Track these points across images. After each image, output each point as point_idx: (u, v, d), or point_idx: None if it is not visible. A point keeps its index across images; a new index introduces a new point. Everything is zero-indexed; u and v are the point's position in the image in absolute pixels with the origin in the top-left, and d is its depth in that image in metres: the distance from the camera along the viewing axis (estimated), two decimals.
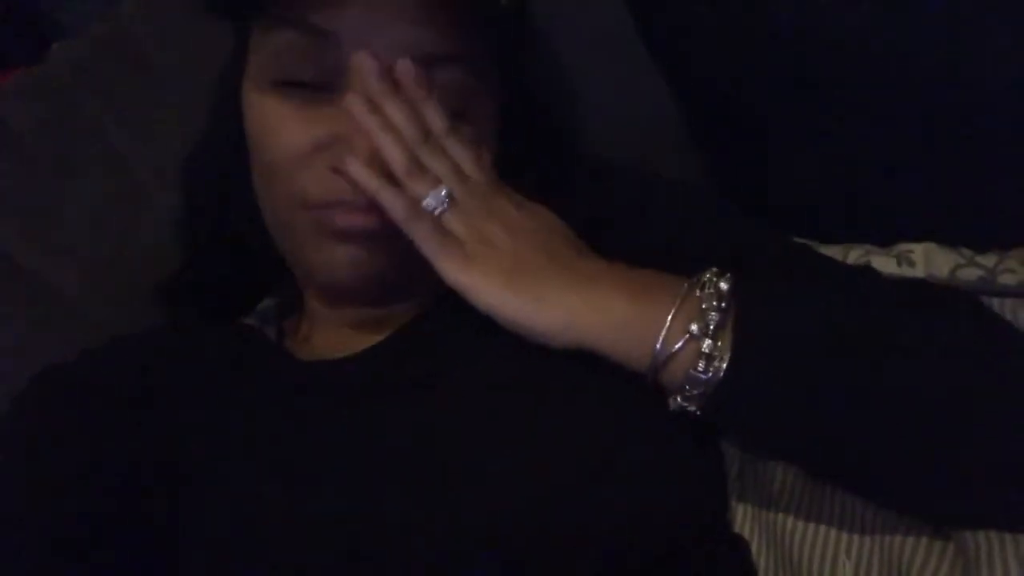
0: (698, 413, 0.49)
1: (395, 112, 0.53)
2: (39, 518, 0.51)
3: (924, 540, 0.53)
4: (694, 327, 0.47)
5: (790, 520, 0.58)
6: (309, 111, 0.54)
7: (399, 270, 0.55)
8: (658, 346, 0.48)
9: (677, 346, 0.48)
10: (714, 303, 0.48)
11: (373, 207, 0.52)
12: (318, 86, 0.54)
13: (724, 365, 0.47)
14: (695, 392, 0.48)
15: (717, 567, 0.55)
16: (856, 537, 0.55)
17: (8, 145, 0.72)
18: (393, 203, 0.51)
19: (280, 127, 0.54)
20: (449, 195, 0.52)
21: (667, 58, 0.71)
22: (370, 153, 0.52)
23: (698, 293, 0.49)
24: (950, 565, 0.51)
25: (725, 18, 0.62)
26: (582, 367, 0.53)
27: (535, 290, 0.50)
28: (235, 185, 0.59)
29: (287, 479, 0.52)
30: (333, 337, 0.60)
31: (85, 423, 0.54)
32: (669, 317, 0.48)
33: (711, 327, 0.47)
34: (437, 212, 0.52)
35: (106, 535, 0.51)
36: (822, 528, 0.56)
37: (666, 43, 0.70)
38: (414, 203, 0.52)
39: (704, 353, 0.47)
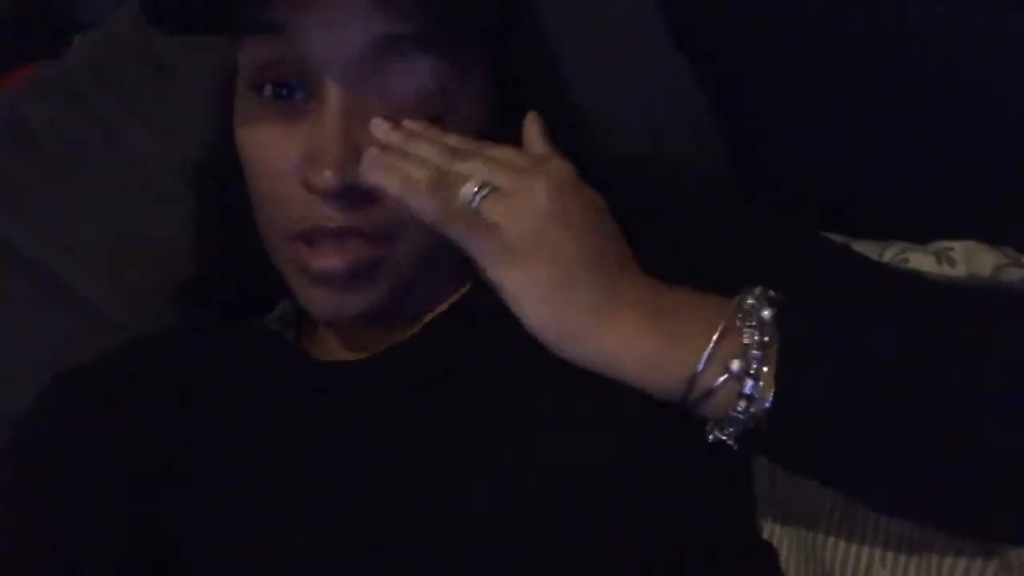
0: (735, 448, 0.47)
1: (420, 148, 0.50)
2: (53, 520, 0.50)
3: (965, 552, 0.51)
4: (735, 365, 0.45)
5: (821, 529, 0.56)
6: (284, 130, 0.51)
7: (387, 303, 0.53)
8: (692, 385, 0.46)
9: (715, 384, 0.45)
10: (756, 337, 0.45)
11: (348, 237, 0.50)
12: (290, 94, 0.51)
13: (766, 407, 0.44)
14: (732, 429, 0.46)
15: (744, 575, 0.54)
16: (892, 547, 0.54)
17: (24, 142, 0.72)
18: (423, 201, 0.48)
19: (259, 150, 0.52)
20: (488, 184, 0.49)
21: (695, 49, 0.69)
22: (340, 162, 0.48)
23: (738, 324, 0.46)
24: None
25: (758, 8, 0.61)
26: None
27: (571, 316, 0.47)
28: (240, 199, 0.58)
29: (298, 481, 0.51)
30: (349, 339, 0.59)
31: (102, 425, 0.54)
32: (706, 355, 0.45)
33: (753, 367, 0.45)
34: (475, 202, 0.48)
35: (119, 537, 0.51)
36: (856, 537, 0.55)
37: (695, 34, 0.68)
38: (447, 201, 0.48)
39: (745, 394, 0.45)
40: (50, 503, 0.51)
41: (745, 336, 0.45)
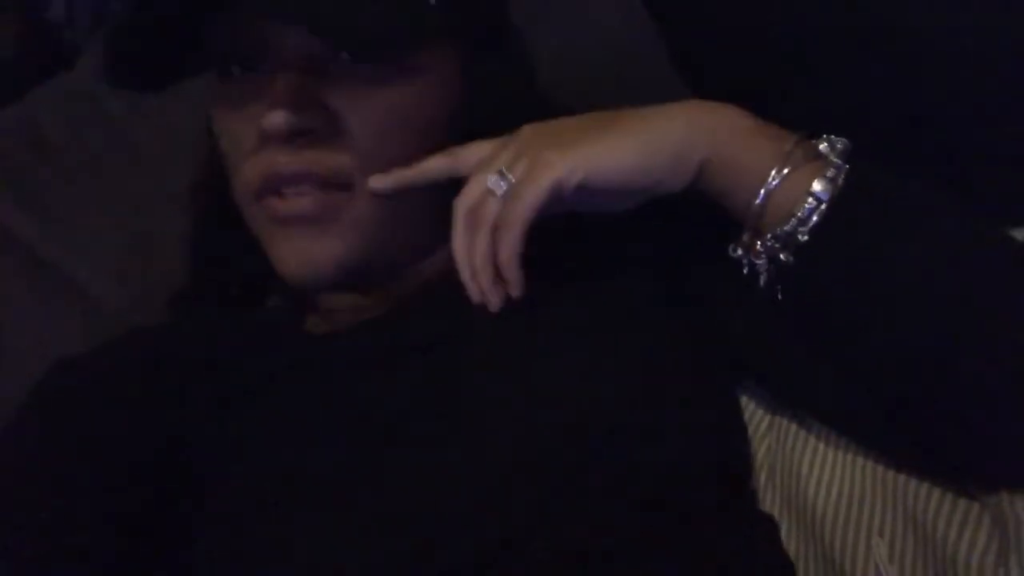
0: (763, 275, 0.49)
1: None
2: (53, 509, 0.51)
3: (958, 516, 0.51)
4: (817, 185, 0.46)
5: (820, 501, 0.56)
6: (249, 99, 0.53)
7: (356, 261, 0.54)
8: (772, 184, 0.47)
9: (788, 194, 0.47)
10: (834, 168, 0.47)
11: (304, 182, 0.51)
12: (253, 68, 0.53)
13: (820, 217, 0.46)
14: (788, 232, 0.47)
15: (747, 548, 0.54)
16: (889, 516, 0.54)
17: (38, 146, 0.74)
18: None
19: (225, 124, 0.55)
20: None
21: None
22: (286, 104, 0.50)
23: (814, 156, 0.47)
24: (986, 540, 0.50)
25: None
26: (606, 328, 0.54)
27: (655, 157, 0.48)
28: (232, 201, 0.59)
29: (297, 452, 0.52)
30: (346, 314, 0.59)
31: (99, 415, 0.55)
32: (780, 168, 0.47)
33: (831, 187, 0.46)
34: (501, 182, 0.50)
35: (121, 525, 0.52)
36: (854, 509, 0.55)
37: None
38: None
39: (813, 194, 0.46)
40: (49, 490, 0.51)
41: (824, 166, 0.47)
